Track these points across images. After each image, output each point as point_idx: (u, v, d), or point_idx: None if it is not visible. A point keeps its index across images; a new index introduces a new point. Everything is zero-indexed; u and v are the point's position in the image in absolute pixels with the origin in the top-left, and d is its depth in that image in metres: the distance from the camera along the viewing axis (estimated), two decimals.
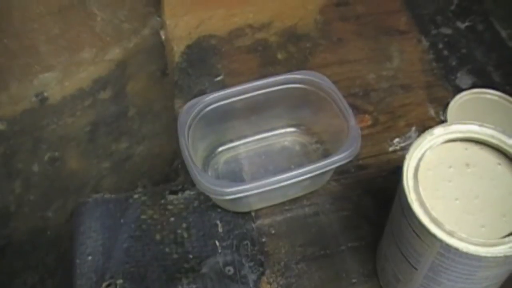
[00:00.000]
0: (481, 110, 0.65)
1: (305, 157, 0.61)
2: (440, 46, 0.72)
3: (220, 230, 0.54)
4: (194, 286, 0.51)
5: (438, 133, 0.44)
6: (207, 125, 0.57)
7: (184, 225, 0.54)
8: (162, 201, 0.56)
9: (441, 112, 0.65)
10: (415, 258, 0.43)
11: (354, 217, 0.56)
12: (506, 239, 0.38)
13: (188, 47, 0.72)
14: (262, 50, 0.71)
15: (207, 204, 0.56)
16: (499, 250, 0.38)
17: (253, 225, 0.55)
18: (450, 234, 0.38)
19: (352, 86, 0.67)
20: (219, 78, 0.68)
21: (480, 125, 0.44)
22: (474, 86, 0.68)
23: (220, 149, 0.60)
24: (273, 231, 0.55)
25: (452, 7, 0.77)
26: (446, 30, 0.74)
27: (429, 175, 0.43)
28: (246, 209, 0.56)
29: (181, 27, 0.74)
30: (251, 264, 0.52)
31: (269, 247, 0.54)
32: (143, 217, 0.55)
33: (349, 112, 0.55)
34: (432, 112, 0.65)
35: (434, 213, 0.40)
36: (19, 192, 0.83)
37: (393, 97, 0.66)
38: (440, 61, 0.70)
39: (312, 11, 0.76)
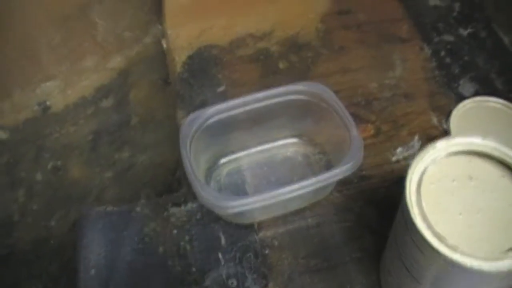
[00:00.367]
0: (484, 118, 0.65)
1: (308, 168, 0.60)
2: (443, 53, 0.72)
3: (223, 242, 0.54)
4: None
5: (441, 147, 0.44)
6: (209, 137, 0.57)
7: (187, 237, 0.54)
8: (165, 214, 0.56)
9: (444, 121, 0.65)
10: (418, 272, 0.42)
11: (357, 228, 0.56)
12: (510, 253, 0.38)
13: (190, 57, 0.72)
14: (263, 60, 0.71)
15: (210, 217, 0.55)
16: (502, 265, 0.38)
17: (256, 237, 0.55)
18: (453, 249, 0.38)
19: (354, 96, 0.67)
20: (221, 89, 0.68)
21: (483, 138, 0.44)
22: (476, 93, 0.68)
23: (222, 160, 0.60)
24: (276, 243, 0.55)
25: (454, 14, 0.77)
26: (449, 37, 0.74)
27: (432, 188, 0.43)
28: (249, 221, 0.55)
29: (182, 37, 0.74)
30: (254, 276, 0.52)
31: (272, 259, 0.54)
32: (145, 230, 0.55)
33: (351, 122, 0.54)
34: (435, 120, 0.65)
35: (437, 228, 0.40)
36: (22, 201, 0.83)
37: (396, 106, 0.66)
38: (442, 69, 0.70)
39: (314, 20, 0.76)
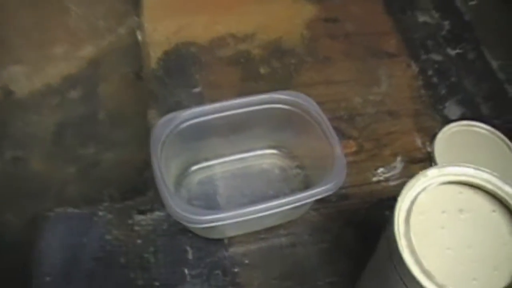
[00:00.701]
0: (469, 144, 0.62)
1: (285, 183, 0.57)
2: (430, 72, 0.70)
3: (190, 257, 0.50)
4: None
5: (432, 175, 0.42)
6: (182, 142, 0.53)
7: (151, 249, 0.50)
8: (129, 221, 0.52)
9: (428, 143, 0.62)
10: None
11: (334, 250, 0.53)
12: None
13: (166, 53, 0.68)
14: (244, 63, 0.68)
15: (177, 228, 0.52)
16: None
17: (226, 253, 0.51)
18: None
19: (337, 109, 0.64)
20: (197, 90, 0.64)
21: (475, 168, 0.42)
22: (462, 117, 0.66)
23: (194, 167, 0.57)
24: (246, 261, 0.51)
25: (443, 33, 0.75)
26: (437, 56, 0.72)
27: (421, 219, 0.40)
28: (219, 236, 0.52)
29: (159, 32, 0.70)
30: None
31: (242, 278, 0.50)
32: (107, 237, 0.50)
33: (335, 139, 0.51)
34: (419, 142, 0.62)
35: (425, 264, 0.37)
36: None
37: (379, 124, 0.63)
38: (429, 89, 0.68)
39: (299, 26, 0.73)
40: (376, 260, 0.44)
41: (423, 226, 0.40)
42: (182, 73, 0.65)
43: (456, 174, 0.42)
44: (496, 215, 0.41)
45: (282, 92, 0.55)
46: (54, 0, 0.83)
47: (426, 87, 0.68)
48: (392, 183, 0.58)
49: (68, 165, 0.79)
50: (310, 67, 0.68)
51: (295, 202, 0.48)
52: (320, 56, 0.69)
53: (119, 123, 0.82)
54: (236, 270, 0.51)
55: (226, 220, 0.46)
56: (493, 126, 0.64)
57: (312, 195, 0.48)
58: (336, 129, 0.53)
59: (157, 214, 0.53)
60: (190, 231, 0.52)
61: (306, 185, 0.57)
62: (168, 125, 0.51)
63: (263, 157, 0.59)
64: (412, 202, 0.40)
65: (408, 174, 0.58)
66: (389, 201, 0.56)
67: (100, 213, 0.52)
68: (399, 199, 0.40)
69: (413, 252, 0.38)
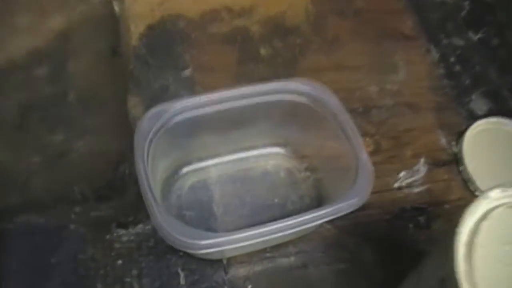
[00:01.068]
0: (501, 143, 0.55)
1: (292, 188, 0.48)
2: (452, 59, 0.61)
3: (182, 281, 0.41)
4: None
5: (495, 197, 0.33)
6: (171, 139, 0.44)
7: (134, 271, 0.41)
8: (107, 237, 0.42)
9: (453, 143, 0.54)
10: None
11: (351, 272, 0.45)
12: None
13: (150, 28, 0.58)
14: (241, 42, 0.58)
15: (166, 245, 0.42)
16: None
17: (225, 277, 0.42)
18: None
19: (351, 100, 0.55)
20: (186, 73, 0.55)
21: None
22: (490, 112, 0.57)
23: (185, 169, 0.48)
24: (249, 286, 0.43)
25: (463, 14, 0.66)
26: (458, 41, 0.63)
27: (484, 255, 0.31)
28: (216, 257, 0.43)
29: (141, 2, 0.60)
30: None
31: None
32: (81, 256, 0.41)
33: (359, 140, 0.43)
34: (443, 141, 0.54)
35: None
36: None
37: (398, 118, 0.55)
38: (451, 79, 0.59)
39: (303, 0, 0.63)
40: None
41: (487, 263, 0.31)
42: (168, 52, 0.56)
43: None
44: None
45: (294, 80, 0.46)
46: None
47: (448, 76, 0.59)
48: (416, 190, 0.50)
49: (33, 154, 0.70)
50: (317, 49, 0.59)
51: (310, 222, 0.39)
52: (328, 36, 0.60)
53: (92, 107, 0.73)
54: None
55: (228, 245, 0.37)
56: None
57: (331, 213, 0.39)
58: None
59: (141, 227, 0.44)
60: (182, 250, 0.42)
61: (317, 191, 0.49)
62: (156, 119, 0.42)
63: (266, 157, 0.50)
64: (473, 233, 0.32)
65: (433, 179, 0.51)
66: (413, 211, 0.49)
67: (72, 226, 0.42)
68: (459, 230, 0.32)
69: None
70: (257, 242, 0.39)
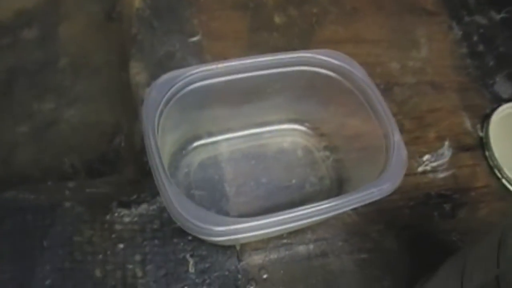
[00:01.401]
0: None
1: (310, 168, 0.45)
2: (475, 38, 0.57)
3: (191, 269, 0.37)
4: None
5: None
6: (181, 111, 0.40)
7: (138, 257, 0.37)
8: (107, 217, 0.38)
9: (478, 126, 0.51)
10: None
11: (374, 262, 0.41)
12: None
13: None
14: (254, 8, 0.54)
15: (173, 227, 0.38)
16: None
17: (238, 265, 0.38)
18: None
19: (372, 75, 0.50)
20: (194, 39, 0.50)
21: None
22: None
23: (195, 144, 0.43)
24: (265, 276, 0.39)
25: None
26: (481, 20, 0.59)
27: None
28: (229, 243, 0.38)
29: None
30: None
31: None
32: (77, 239, 0.36)
33: (391, 119, 0.38)
34: (468, 124, 0.51)
35: None
36: None
37: (421, 98, 0.52)
38: (474, 58, 0.56)
39: None
40: None
41: None
42: (175, 16, 0.51)
43: None
44: None
45: (317, 51, 0.41)
46: None
47: (472, 55, 0.56)
48: (440, 175, 0.47)
49: (19, 123, 0.67)
50: (334, 19, 0.55)
51: (335, 209, 0.35)
52: (346, 6, 0.56)
53: (84, 74, 0.70)
54: None
55: (245, 232, 0.32)
56: None
57: (359, 199, 0.35)
58: None
59: (145, 207, 0.39)
60: (191, 234, 0.38)
61: (338, 172, 0.45)
62: (167, 87, 0.37)
63: (283, 134, 0.46)
64: None
65: (458, 164, 0.48)
66: (438, 198, 0.45)
67: (66, 204, 0.37)
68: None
69: None
70: (275, 230, 0.35)
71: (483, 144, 0.50)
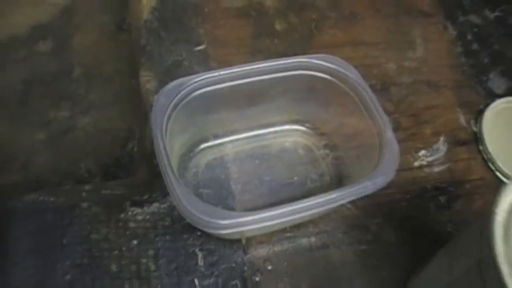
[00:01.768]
0: None
1: (311, 166, 0.47)
2: (469, 37, 0.59)
3: (200, 262, 0.40)
4: None
5: None
6: (188, 115, 0.42)
7: (150, 252, 0.40)
8: (121, 216, 0.41)
9: (473, 121, 0.53)
10: None
11: (373, 253, 0.43)
12: None
13: (162, 1, 0.56)
14: (256, 16, 0.57)
15: (183, 224, 0.41)
16: None
17: (244, 258, 0.41)
18: None
19: (368, 77, 0.53)
20: (200, 47, 0.53)
21: None
22: (509, 91, 0.56)
23: (202, 146, 0.46)
24: (269, 267, 0.41)
25: None
26: (475, 19, 0.61)
27: None
28: (236, 237, 0.41)
29: None
30: None
31: None
32: (94, 236, 0.39)
33: (384, 118, 0.41)
34: (462, 119, 0.53)
35: None
36: None
37: (417, 96, 0.54)
38: (469, 57, 0.58)
39: None
40: (447, 281, 0.35)
41: None
42: (181, 26, 0.54)
43: None
44: None
45: (314, 56, 0.44)
46: None
47: (466, 54, 0.58)
48: (436, 169, 0.49)
49: (36, 130, 0.69)
50: (333, 24, 0.57)
51: (334, 202, 0.37)
52: (344, 11, 0.58)
53: (97, 83, 0.72)
54: (257, 279, 0.41)
55: (250, 225, 0.35)
56: None
57: (355, 192, 0.38)
58: None
59: (157, 206, 0.42)
60: (199, 229, 0.41)
61: (337, 169, 0.47)
62: (174, 94, 0.40)
63: (285, 134, 0.48)
64: (509, 214, 0.30)
65: (453, 158, 0.50)
66: (434, 191, 0.47)
67: (83, 204, 0.40)
68: (496, 209, 0.30)
69: None
70: (278, 222, 0.38)
71: (477, 139, 0.52)
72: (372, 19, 0.58)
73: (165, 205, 0.42)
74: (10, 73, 0.71)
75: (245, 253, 0.42)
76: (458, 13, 0.62)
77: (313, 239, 0.43)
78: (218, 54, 0.53)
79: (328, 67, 0.44)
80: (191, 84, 0.41)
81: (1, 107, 0.70)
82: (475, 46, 0.59)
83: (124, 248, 0.40)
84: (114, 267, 0.39)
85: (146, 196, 0.42)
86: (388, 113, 0.51)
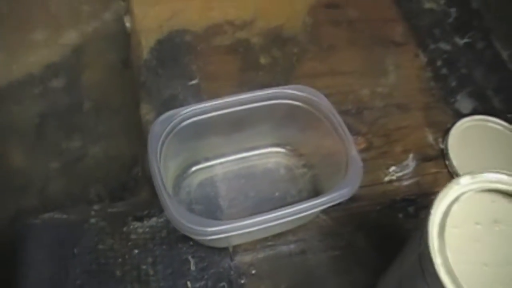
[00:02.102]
0: (484, 139, 0.59)
1: (291, 183, 0.53)
2: (439, 63, 0.65)
3: (193, 268, 0.46)
4: None
5: (465, 183, 0.38)
6: (181, 141, 0.48)
7: (149, 259, 0.46)
8: (124, 229, 0.47)
9: (440, 139, 0.59)
10: None
11: (346, 257, 0.49)
12: None
13: (159, 42, 0.63)
14: (243, 52, 0.63)
15: (177, 235, 0.47)
16: None
17: (231, 263, 0.47)
18: None
19: (344, 102, 0.59)
20: (193, 82, 0.59)
21: (509, 175, 0.38)
22: (474, 111, 0.62)
23: (194, 168, 0.52)
24: (253, 271, 0.47)
25: (450, 20, 0.71)
26: (445, 46, 0.68)
27: (455, 233, 0.36)
28: (223, 245, 0.47)
29: (151, 18, 0.65)
30: None
31: None
32: (101, 247, 0.46)
33: (349, 137, 0.47)
34: (430, 138, 0.59)
35: (463, 283, 0.33)
36: None
37: (389, 118, 0.59)
38: (438, 81, 0.64)
39: (300, 12, 0.68)
40: (399, 275, 0.40)
41: (458, 240, 0.36)
42: (176, 63, 0.60)
43: (490, 181, 0.38)
44: None
45: (290, 86, 0.50)
46: None
47: (436, 78, 0.64)
48: (405, 183, 0.55)
49: (51, 160, 0.75)
50: (313, 57, 0.63)
51: (306, 210, 0.43)
52: (323, 44, 0.65)
53: (105, 115, 0.78)
54: (242, 281, 0.47)
55: (233, 231, 0.41)
56: (506, 120, 0.60)
57: (325, 202, 0.44)
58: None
59: (155, 220, 0.48)
60: (192, 239, 0.47)
61: (314, 185, 0.53)
62: (167, 123, 0.46)
63: (268, 156, 0.54)
64: (446, 214, 0.36)
65: (421, 173, 0.55)
66: (403, 202, 0.53)
67: (92, 220, 0.47)
68: (432, 211, 0.36)
69: (449, 271, 0.34)
70: (260, 230, 0.44)
71: (444, 155, 0.58)
72: (348, 51, 0.65)
73: (162, 219, 0.48)
74: (27, 107, 0.77)
75: (231, 259, 0.48)
76: (429, 42, 0.68)
77: (292, 246, 0.49)
78: (209, 87, 0.59)
79: (301, 95, 0.50)
80: (182, 115, 0.48)
81: (19, 139, 0.76)
82: (444, 70, 0.65)
83: (126, 256, 0.46)
84: (118, 273, 0.45)
85: (145, 212, 0.49)
86: (362, 134, 0.58)
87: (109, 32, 0.83)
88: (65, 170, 0.75)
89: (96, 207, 0.52)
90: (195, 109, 0.48)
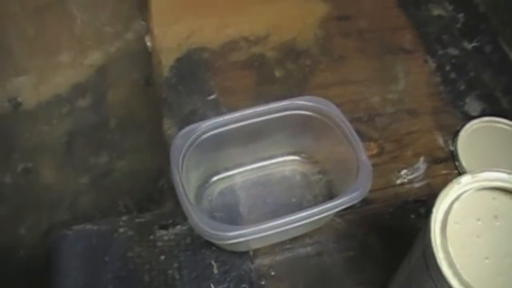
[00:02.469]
0: (493, 140, 0.61)
1: (307, 189, 0.56)
2: (448, 68, 0.68)
3: (215, 271, 0.49)
4: None
5: (466, 182, 0.40)
6: (201, 153, 0.51)
7: (175, 264, 0.49)
8: (151, 237, 0.50)
9: (450, 142, 0.61)
10: None
11: (360, 258, 0.52)
12: None
13: (178, 60, 0.66)
14: (258, 67, 0.66)
15: (201, 241, 0.50)
16: None
17: (251, 266, 0.50)
18: None
19: (356, 110, 0.62)
20: (212, 97, 0.63)
21: (509, 173, 0.40)
22: (483, 113, 0.64)
23: (214, 178, 0.55)
24: (273, 273, 0.50)
25: (458, 26, 0.73)
26: (453, 51, 0.70)
27: (457, 229, 0.38)
28: (244, 249, 0.51)
29: (170, 38, 0.69)
30: None
31: None
32: (129, 254, 0.49)
33: (359, 144, 0.50)
34: (440, 141, 0.61)
35: (464, 276, 0.36)
36: None
37: (400, 124, 0.62)
38: (447, 85, 0.66)
39: (312, 25, 0.71)
40: (408, 270, 0.43)
41: (459, 236, 0.38)
42: (195, 80, 0.64)
43: (489, 179, 0.41)
44: None
45: (302, 98, 0.53)
46: (58, 7, 0.81)
47: (445, 83, 0.66)
48: (416, 185, 0.57)
49: (80, 175, 0.78)
50: (325, 68, 0.66)
51: (320, 213, 0.46)
52: (334, 55, 0.68)
53: (130, 131, 0.81)
54: (262, 282, 0.50)
55: (252, 235, 0.44)
56: None
57: (338, 205, 0.47)
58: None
59: (179, 228, 0.52)
60: (214, 245, 0.51)
61: (329, 190, 0.56)
62: (188, 137, 0.49)
63: (284, 164, 0.57)
64: (447, 212, 0.39)
65: (432, 175, 0.58)
66: (414, 203, 0.56)
67: (121, 230, 0.50)
68: (434, 209, 0.39)
69: (451, 264, 0.36)
70: (277, 234, 0.47)
71: (453, 156, 0.60)
72: (359, 60, 0.68)
73: (186, 227, 0.52)
74: (56, 126, 0.82)
75: (252, 262, 0.51)
76: (438, 47, 0.71)
77: (309, 248, 0.52)
78: (227, 101, 0.62)
79: (312, 106, 0.53)
80: (201, 128, 0.51)
81: (49, 157, 0.81)
82: (453, 75, 0.68)
83: (154, 262, 0.50)
84: (146, 278, 0.49)
85: (170, 221, 0.52)
86: (374, 140, 0.60)
87: (131, 51, 0.87)
88: (94, 184, 0.79)
89: (124, 217, 0.55)
90: (214, 123, 0.51)
